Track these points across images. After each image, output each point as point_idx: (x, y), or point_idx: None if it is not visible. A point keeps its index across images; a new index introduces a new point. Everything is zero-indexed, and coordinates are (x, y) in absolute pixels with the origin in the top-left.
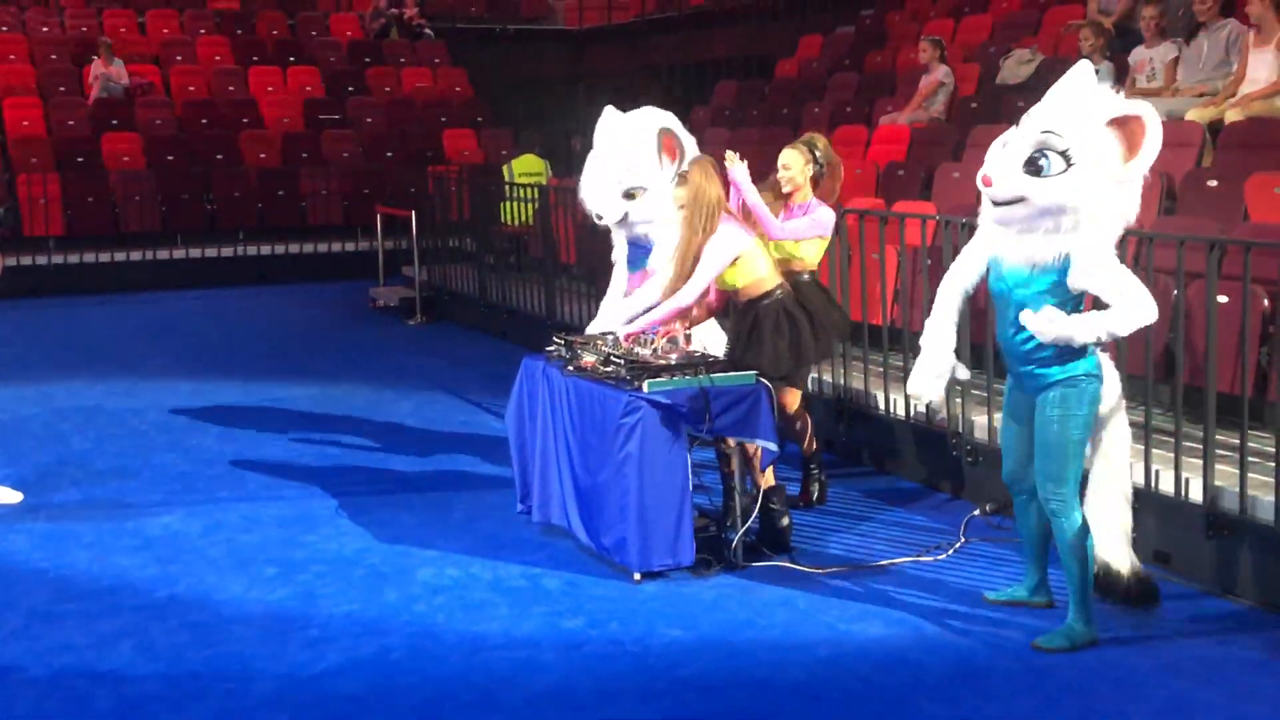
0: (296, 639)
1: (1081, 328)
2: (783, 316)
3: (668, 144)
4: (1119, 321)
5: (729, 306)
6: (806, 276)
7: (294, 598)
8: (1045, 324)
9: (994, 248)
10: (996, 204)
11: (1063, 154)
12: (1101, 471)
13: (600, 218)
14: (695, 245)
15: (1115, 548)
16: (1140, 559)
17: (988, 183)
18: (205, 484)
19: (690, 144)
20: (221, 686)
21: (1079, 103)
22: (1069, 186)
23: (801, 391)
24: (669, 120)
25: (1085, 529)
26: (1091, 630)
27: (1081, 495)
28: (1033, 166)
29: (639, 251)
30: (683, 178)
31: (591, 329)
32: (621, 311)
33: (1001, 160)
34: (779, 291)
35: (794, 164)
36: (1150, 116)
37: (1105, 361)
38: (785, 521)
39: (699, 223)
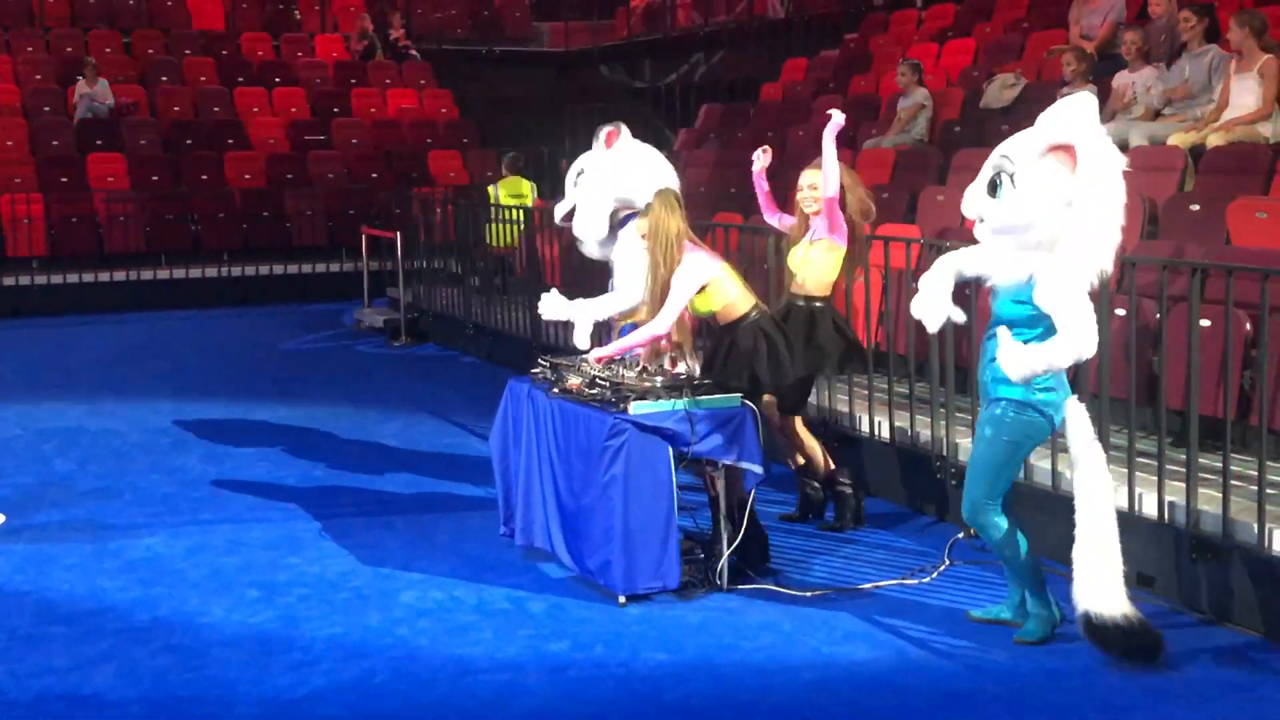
0: (279, 662)
1: (1033, 358)
2: (760, 338)
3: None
4: (1058, 353)
5: (704, 329)
6: (801, 302)
7: (277, 621)
8: (1007, 359)
9: (987, 262)
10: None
11: (1011, 177)
12: (1083, 518)
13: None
14: (661, 279)
15: (1107, 595)
16: (1123, 581)
17: (964, 199)
18: (188, 506)
19: (658, 174)
20: (204, 710)
21: (1031, 130)
22: (1015, 208)
23: (800, 414)
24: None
25: (1012, 528)
26: (1054, 612)
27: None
28: (991, 189)
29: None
30: (645, 209)
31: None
32: (592, 308)
33: (974, 183)
34: (754, 313)
35: (819, 184)
36: (1085, 144)
37: (1072, 406)
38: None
39: (660, 256)
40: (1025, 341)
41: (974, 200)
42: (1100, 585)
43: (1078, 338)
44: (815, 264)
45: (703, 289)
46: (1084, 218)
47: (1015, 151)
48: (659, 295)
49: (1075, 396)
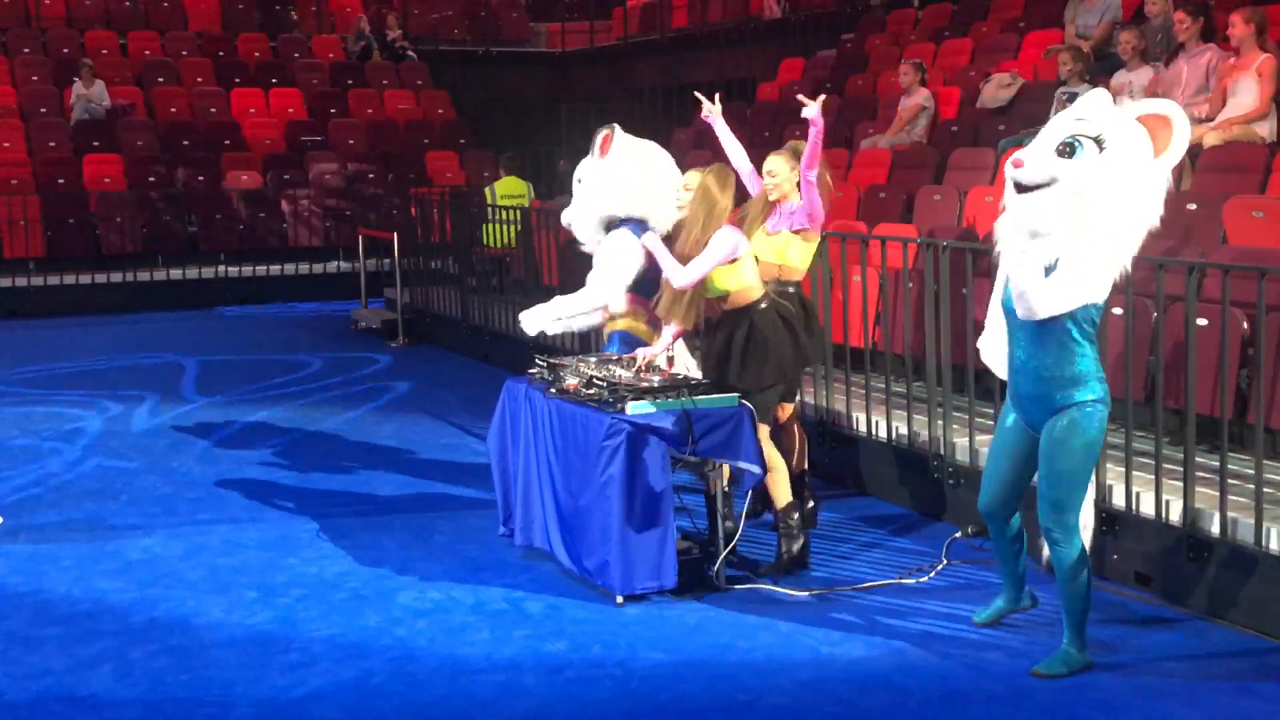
0: (277, 663)
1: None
2: (779, 323)
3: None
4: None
5: (704, 324)
6: (791, 289)
7: (274, 621)
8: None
9: (1006, 265)
10: (1022, 189)
11: (1095, 139)
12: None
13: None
14: (694, 238)
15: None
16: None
17: (1019, 164)
18: (185, 507)
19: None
20: (201, 711)
21: (1109, 103)
22: (1101, 169)
23: (794, 405)
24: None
25: (1084, 558)
26: (1085, 656)
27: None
28: (1066, 150)
29: None
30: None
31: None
32: (565, 304)
33: (1033, 146)
34: (767, 300)
35: (780, 171)
36: (1178, 115)
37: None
38: (800, 542)
39: (700, 215)
40: (1046, 351)
41: (1042, 161)
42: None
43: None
44: (800, 253)
45: (733, 262)
46: (1151, 195)
47: (1096, 115)
48: (689, 252)
49: None
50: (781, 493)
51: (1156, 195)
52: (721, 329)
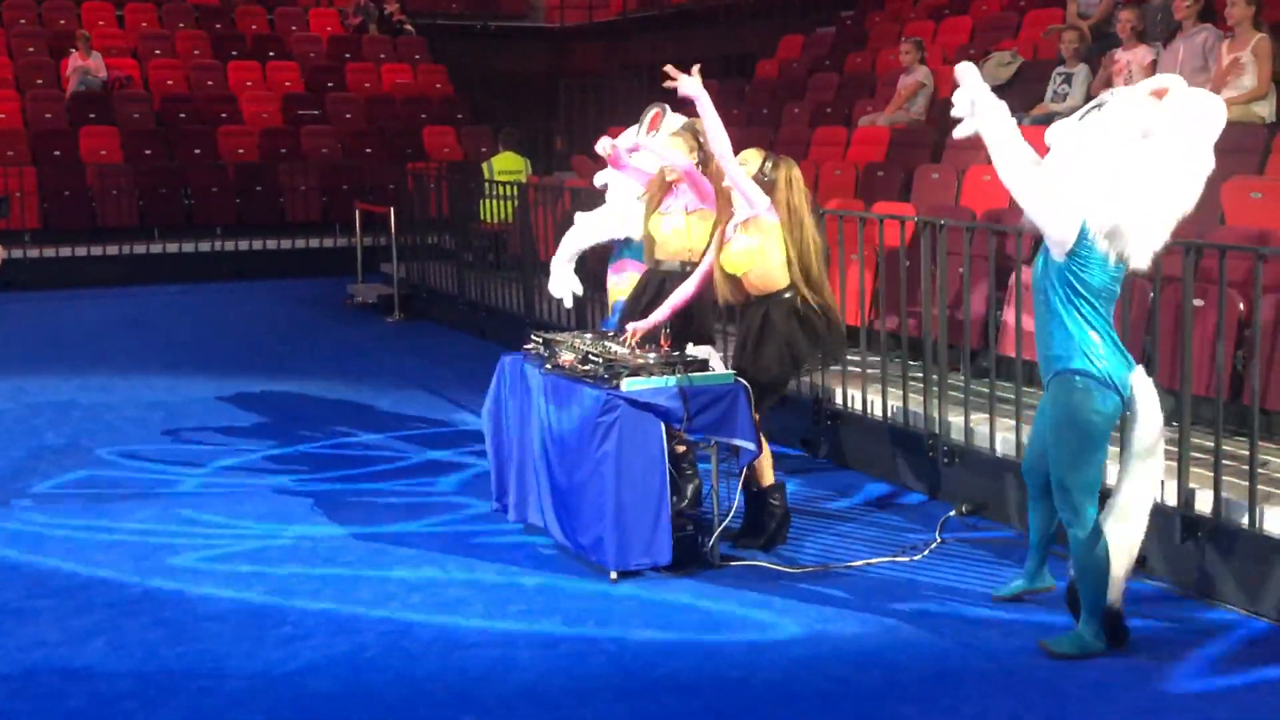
0: (270, 637)
1: (987, 113)
2: (794, 316)
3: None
4: (1007, 163)
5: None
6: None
7: (268, 594)
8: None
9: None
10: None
11: (1102, 106)
12: (1126, 500)
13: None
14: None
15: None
16: None
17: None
18: (180, 479)
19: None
20: (194, 684)
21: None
22: (1093, 127)
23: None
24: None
25: (1095, 538)
26: (1100, 643)
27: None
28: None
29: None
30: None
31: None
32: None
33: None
34: (790, 291)
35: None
36: (1179, 84)
37: (1139, 380)
38: (780, 514)
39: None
40: (1079, 315)
41: (1058, 127)
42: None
43: (1028, 189)
44: (702, 234)
45: (755, 230)
46: (1164, 152)
47: (1117, 93)
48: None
49: (1141, 368)
50: (767, 473)
51: (1187, 157)
52: (746, 317)
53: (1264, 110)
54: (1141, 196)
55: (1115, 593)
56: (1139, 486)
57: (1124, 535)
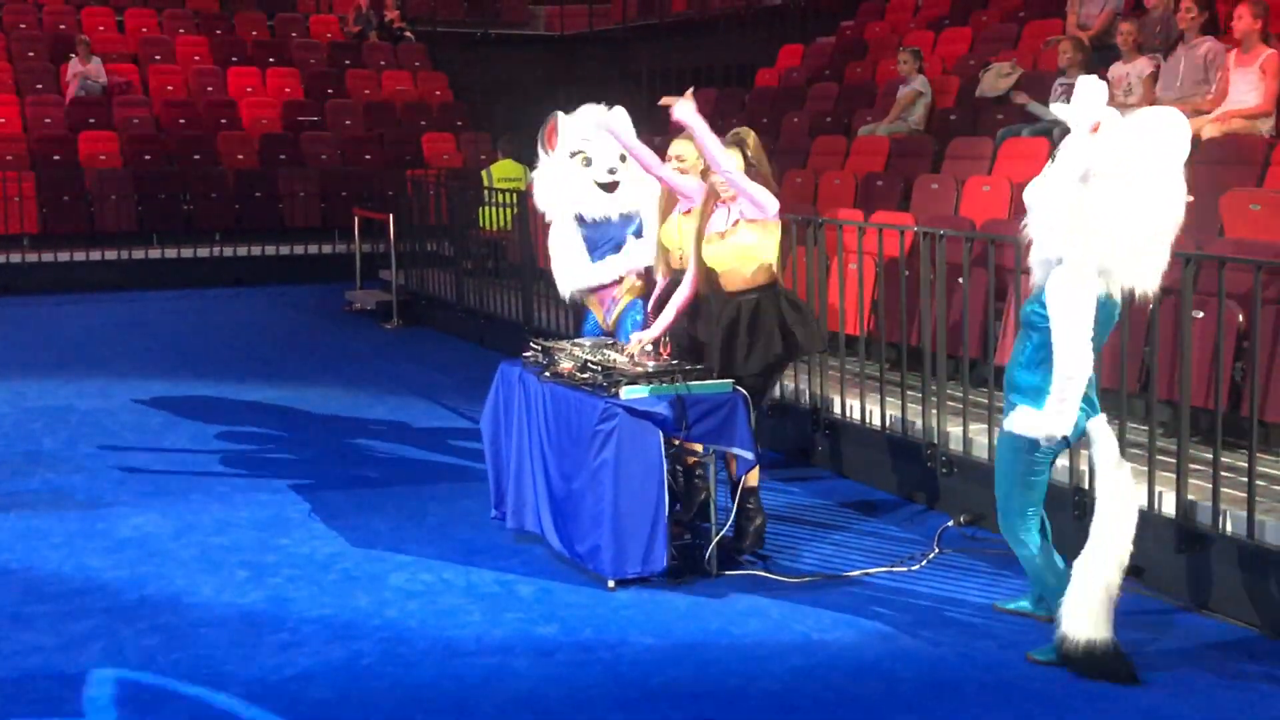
0: (267, 643)
1: (1049, 417)
2: (786, 307)
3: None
4: (1058, 392)
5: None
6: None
7: (265, 601)
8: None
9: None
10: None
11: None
12: (1099, 540)
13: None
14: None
15: (1092, 621)
16: None
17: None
18: (177, 485)
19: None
20: (191, 690)
21: (1104, 92)
22: (1037, 183)
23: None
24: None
25: (1039, 558)
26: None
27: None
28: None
29: (601, 239)
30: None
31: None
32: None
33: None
34: (779, 285)
35: (688, 155)
36: (1109, 116)
37: (1095, 425)
38: (759, 521)
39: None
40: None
41: (1032, 189)
42: (1089, 609)
43: (1063, 364)
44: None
45: (758, 230)
46: (1095, 197)
47: (1063, 144)
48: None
49: (1102, 417)
50: (753, 475)
51: (1128, 188)
52: (729, 308)
53: (1265, 127)
54: (1111, 232)
55: (1105, 628)
56: (1108, 505)
57: (1105, 558)
